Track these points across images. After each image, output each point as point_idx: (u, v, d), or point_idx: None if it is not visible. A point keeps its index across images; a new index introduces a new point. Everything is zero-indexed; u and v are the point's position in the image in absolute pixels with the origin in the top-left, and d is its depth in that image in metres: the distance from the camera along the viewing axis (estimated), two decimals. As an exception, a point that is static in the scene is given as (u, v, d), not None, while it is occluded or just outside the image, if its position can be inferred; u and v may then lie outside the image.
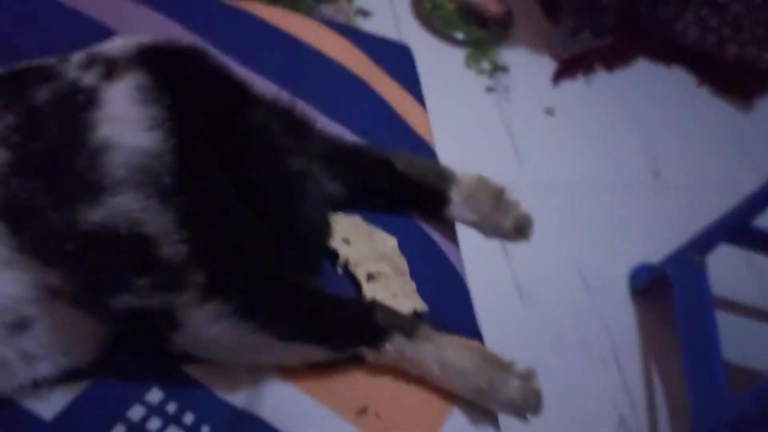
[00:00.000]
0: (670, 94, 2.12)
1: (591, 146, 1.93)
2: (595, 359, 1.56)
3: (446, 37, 2.04)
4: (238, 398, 0.69)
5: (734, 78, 2.13)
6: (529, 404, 0.72)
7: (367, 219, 0.82)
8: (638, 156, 1.94)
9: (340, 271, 0.78)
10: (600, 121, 2.00)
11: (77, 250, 0.60)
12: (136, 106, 0.63)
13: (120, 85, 0.64)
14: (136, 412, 0.66)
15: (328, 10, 1.86)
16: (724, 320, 1.47)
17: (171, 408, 0.67)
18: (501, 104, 1.95)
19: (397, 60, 1.06)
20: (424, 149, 0.97)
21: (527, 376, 0.72)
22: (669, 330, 1.55)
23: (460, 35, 2.04)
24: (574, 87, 2.05)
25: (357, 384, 0.71)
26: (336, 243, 0.79)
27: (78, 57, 0.68)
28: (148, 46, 0.69)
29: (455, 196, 0.84)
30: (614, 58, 2.12)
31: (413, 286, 0.79)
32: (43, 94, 0.63)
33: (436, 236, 0.86)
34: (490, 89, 1.97)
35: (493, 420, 0.75)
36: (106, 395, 0.67)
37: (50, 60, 0.68)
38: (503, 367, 0.72)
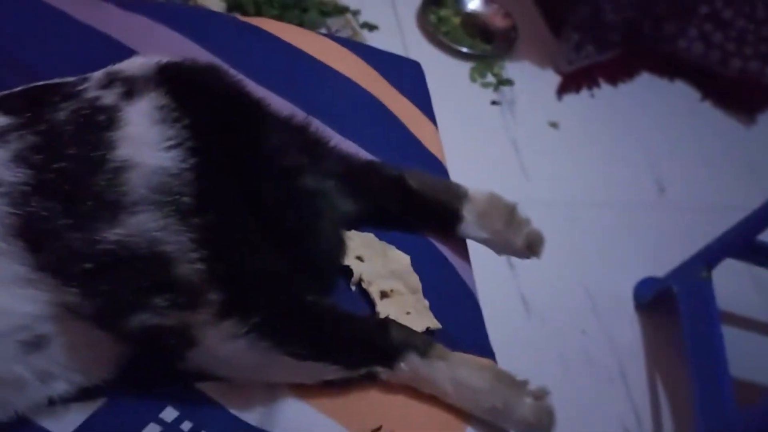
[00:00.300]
0: (673, 108, 2.12)
1: (595, 160, 1.93)
2: (601, 375, 1.56)
3: (451, 50, 2.04)
4: (252, 416, 0.69)
5: (738, 93, 2.13)
6: (542, 423, 0.72)
7: (380, 236, 0.83)
8: (643, 171, 1.95)
9: (353, 288, 0.78)
10: (604, 135, 2.01)
11: (96, 269, 0.60)
12: (156, 126, 0.63)
13: (140, 104, 0.65)
14: (151, 431, 0.66)
15: (334, 24, 1.87)
16: (731, 335, 1.47)
17: (186, 426, 0.67)
18: (506, 117, 1.96)
19: (408, 77, 1.06)
20: (437, 167, 0.97)
21: (540, 395, 0.72)
22: (675, 345, 1.55)
23: (465, 49, 2.05)
24: (579, 101, 2.06)
25: (371, 402, 0.71)
26: (349, 260, 0.79)
27: (97, 76, 0.68)
28: (167, 65, 0.69)
29: (468, 213, 0.84)
30: (618, 72, 2.13)
31: (426, 303, 0.79)
32: (62, 113, 0.64)
33: (448, 254, 0.86)
34: (494, 102, 1.98)
35: (507, 439, 0.74)
36: (121, 414, 0.67)
37: (69, 79, 0.68)
38: (517, 385, 0.72)
